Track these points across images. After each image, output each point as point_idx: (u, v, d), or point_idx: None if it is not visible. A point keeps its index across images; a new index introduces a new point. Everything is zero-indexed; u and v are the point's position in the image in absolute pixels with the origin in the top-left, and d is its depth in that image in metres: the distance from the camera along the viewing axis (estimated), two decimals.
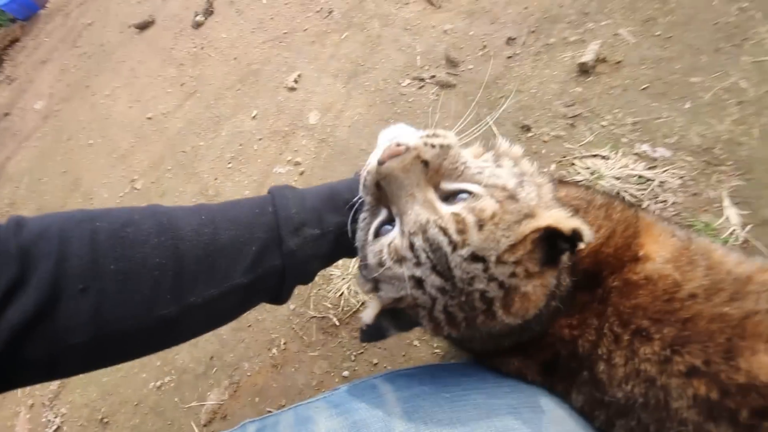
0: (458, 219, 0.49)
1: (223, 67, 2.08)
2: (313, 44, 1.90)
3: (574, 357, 0.58)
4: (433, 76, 1.50)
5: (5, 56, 3.51)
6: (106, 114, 2.30)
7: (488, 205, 0.49)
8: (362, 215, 0.59)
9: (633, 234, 0.59)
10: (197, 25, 2.36)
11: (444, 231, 0.49)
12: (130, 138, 2.09)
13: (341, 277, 1.21)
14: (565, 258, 0.55)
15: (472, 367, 0.71)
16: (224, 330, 1.30)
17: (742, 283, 0.50)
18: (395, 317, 0.58)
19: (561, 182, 0.68)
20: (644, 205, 0.98)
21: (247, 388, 1.18)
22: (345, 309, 1.17)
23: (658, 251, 0.56)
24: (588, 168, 1.07)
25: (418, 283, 0.51)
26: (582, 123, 1.18)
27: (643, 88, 1.15)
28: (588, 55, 1.24)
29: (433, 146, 0.53)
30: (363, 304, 1.16)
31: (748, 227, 0.89)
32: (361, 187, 0.57)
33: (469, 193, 0.51)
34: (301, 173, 1.52)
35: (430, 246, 0.49)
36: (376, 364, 1.09)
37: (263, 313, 1.28)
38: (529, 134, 1.23)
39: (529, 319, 0.54)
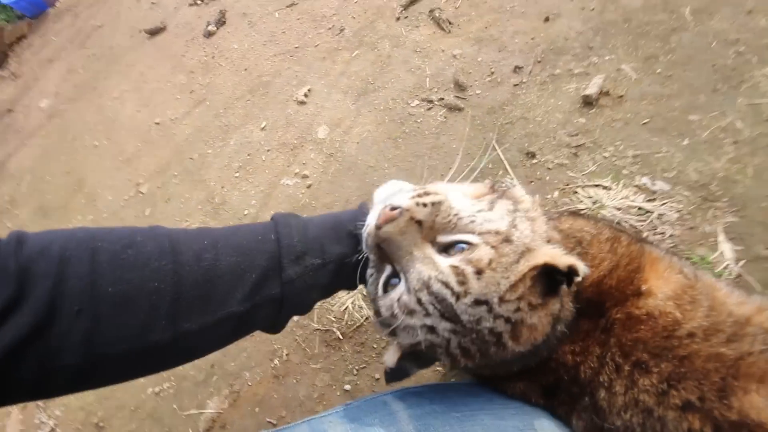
0: (458, 271, 0.53)
1: (234, 77, 2.12)
2: (323, 60, 1.94)
3: (575, 382, 0.61)
4: (442, 99, 1.54)
5: (11, 53, 3.52)
6: (113, 117, 2.31)
7: (484, 253, 0.54)
8: (369, 271, 0.63)
9: (636, 268, 0.62)
10: (209, 35, 2.40)
11: (446, 285, 0.53)
12: (136, 142, 2.10)
13: (346, 291, 1.23)
14: (565, 287, 0.58)
15: (477, 387, 0.74)
16: None
17: (740, 325, 0.54)
18: (415, 357, 0.63)
19: (571, 214, 0.72)
20: (644, 235, 1.02)
21: (247, 397, 1.19)
22: (349, 323, 1.19)
23: (661, 287, 0.59)
24: (590, 197, 1.11)
25: (431, 329, 0.55)
26: (585, 153, 1.22)
27: (644, 123, 1.20)
28: (592, 88, 1.29)
29: (425, 205, 0.57)
30: (367, 319, 1.18)
31: (742, 262, 0.93)
32: (363, 245, 0.61)
33: (465, 243, 0.56)
34: (309, 186, 1.55)
35: (435, 298, 0.53)
36: (378, 379, 1.10)
37: None
38: (534, 161, 1.27)
39: (538, 344, 0.57)
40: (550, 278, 0.55)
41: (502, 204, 0.61)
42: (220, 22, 2.41)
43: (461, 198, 0.61)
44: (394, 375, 0.65)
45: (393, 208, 0.56)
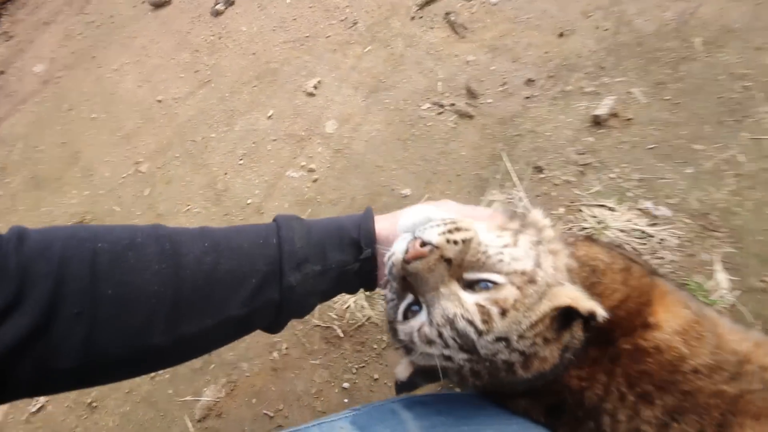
0: (483, 311, 0.55)
1: (241, 60, 2.08)
2: (334, 52, 1.93)
3: (580, 406, 0.63)
4: (453, 104, 1.56)
5: (4, 10, 3.37)
6: (112, 89, 2.25)
7: (509, 294, 0.56)
8: (389, 294, 0.64)
9: (646, 301, 0.64)
10: (216, 14, 2.34)
11: (470, 323, 0.55)
12: (136, 118, 2.06)
13: None
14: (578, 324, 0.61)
15: (482, 400, 0.77)
16: None
17: (741, 363, 0.57)
18: (426, 373, 0.65)
19: (587, 239, 0.75)
20: (654, 267, 1.06)
21: (244, 388, 1.21)
22: (350, 321, 1.21)
23: (669, 321, 0.62)
24: (595, 216, 1.15)
25: (447, 358, 0.57)
26: (592, 172, 1.26)
27: (650, 148, 1.24)
28: (602, 109, 1.32)
29: (455, 242, 0.57)
30: (368, 319, 1.21)
31: (736, 292, 0.98)
32: (386, 270, 0.61)
33: (492, 282, 0.57)
34: (315, 180, 1.55)
35: (458, 334, 0.55)
36: (377, 379, 1.13)
37: None
38: (541, 175, 1.30)
39: (545, 372, 0.60)
40: (567, 315, 0.58)
41: (526, 237, 0.62)
42: (229, 2, 2.36)
43: (488, 233, 0.62)
44: (404, 387, 0.68)
45: (423, 244, 0.57)
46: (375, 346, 1.17)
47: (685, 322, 0.62)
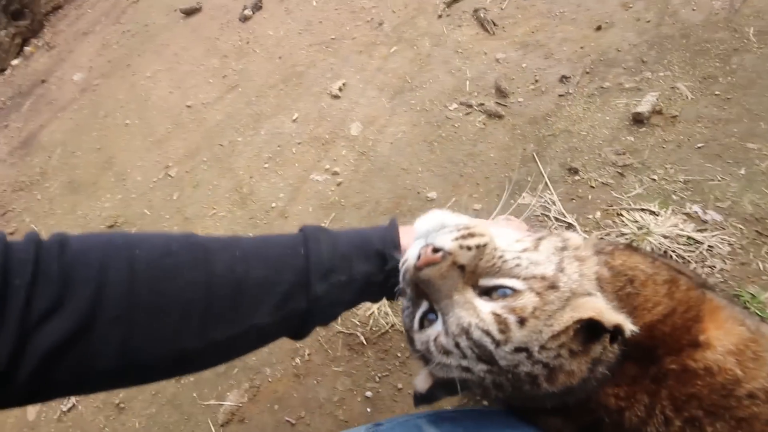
0: (499, 320, 0.51)
1: (267, 64, 2.10)
2: (360, 54, 1.91)
3: (619, 428, 0.58)
4: (482, 104, 1.50)
5: (46, 22, 3.55)
6: (146, 96, 2.32)
7: (528, 301, 0.52)
8: (405, 303, 0.62)
9: (695, 317, 0.58)
10: (245, 19, 2.38)
11: (487, 333, 0.51)
12: (167, 124, 2.10)
13: None
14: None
15: (512, 417, 0.71)
16: None
17: None
18: (446, 385, 0.61)
19: (627, 247, 0.68)
20: (692, 267, 0.98)
21: (267, 393, 1.19)
22: (373, 329, 1.18)
23: (721, 340, 0.56)
24: (636, 222, 1.07)
25: (466, 369, 0.54)
26: (632, 173, 1.18)
27: (698, 147, 1.15)
28: (644, 106, 1.24)
29: (469, 248, 0.54)
30: (392, 326, 1.17)
31: None
32: (401, 278, 0.60)
33: (509, 288, 0.53)
34: (339, 184, 1.53)
35: (474, 344, 0.52)
36: (401, 389, 1.09)
37: None
38: (576, 177, 1.23)
39: (573, 386, 0.55)
40: (593, 327, 0.53)
41: (550, 242, 0.58)
42: (257, 7, 2.39)
43: (505, 237, 0.59)
44: (423, 399, 0.64)
45: (435, 250, 0.54)
46: (399, 354, 1.13)
47: (740, 340, 0.55)
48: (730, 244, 0.99)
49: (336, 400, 1.12)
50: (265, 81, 2.02)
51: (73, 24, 3.39)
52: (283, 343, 1.26)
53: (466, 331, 0.52)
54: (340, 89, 1.80)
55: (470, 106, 1.52)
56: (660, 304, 0.59)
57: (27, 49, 3.43)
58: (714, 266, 0.97)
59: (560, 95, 1.41)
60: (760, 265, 0.96)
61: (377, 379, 1.12)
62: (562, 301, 0.52)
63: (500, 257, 0.55)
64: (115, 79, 2.54)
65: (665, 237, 1.02)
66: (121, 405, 1.31)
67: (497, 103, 1.49)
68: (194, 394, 1.25)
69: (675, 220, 1.04)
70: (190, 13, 2.65)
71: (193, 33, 2.50)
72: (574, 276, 0.55)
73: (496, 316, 0.51)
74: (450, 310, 0.53)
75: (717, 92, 1.22)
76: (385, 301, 1.21)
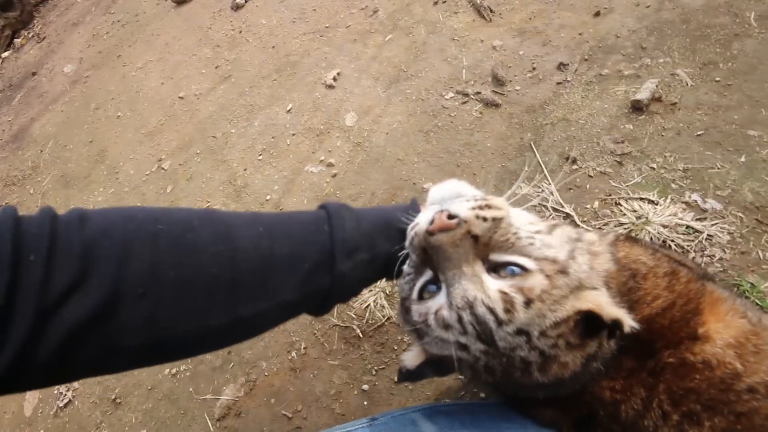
0: (506, 298, 0.49)
1: (261, 54, 2.06)
2: (355, 42, 1.87)
3: (615, 420, 0.58)
4: (478, 93, 1.48)
5: (36, 13, 3.48)
6: (137, 87, 2.28)
7: (537, 283, 0.50)
8: (407, 269, 0.60)
9: (694, 309, 0.57)
10: (237, 8, 2.33)
11: (491, 310, 0.49)
12: (159, 115, 2.07)
13: (368, 289, 1.20)
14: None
15: (510, 410, 0.71)
16: None
17: None
18: (436, 364, 0.60)
19: (628, 239, 0.67)
20: (691, 257, 0.96)
21: (263, 387, 1.18)
22: (370, 321, 1.17)
23: (720, 332, 0.55)
24: (634, 211, 1.05)
25: (463, 347, 0.52)
26: (630, 162, 1.16)
27: (698, 135, 1.13)
28: (643, 93, 1.21)
29: (485, 219, 0.52)
30: (388, 319, 1.16)
31: None
32: (407, 242, 0.58)
33: (519, 266, 0.51)
34: (334, 175, 1.51)
35: (476, 320, 0.50)
36: (397, 381, 1.08)
37: None
38: (574, 167, 1.21)
39: (564, 378, 0.54)
40: (593, 321, 0.52)
41: (564, 231, 0.56)
42: None
43: (520, 216, 0.57)
44: (408, 376, 0.62)
45: (451, 216, 0.52)
46: (395, 347, 1.12)
47: (740, 333, 0.54)
48: (729, 233, 0.98)
49: (332, 393, 1.12)
50: (258, 71, 1.99)
51: (63, 14, 3.33)
52: (279, 337, 1.25)
53: (470, 305, 0.50)
54: (334, 79, 1.77)
55: (467, 94, 1.49)
56: (659, 298, 0.58)
57: (17, 41, 3.37)
58: (713, 255, 0.96)
59: (558, 83, 1.39)
60: (760, 254, 0.94)
61: (374, 372, 1.11)
62: (570, 289, 0.51)
63: (514, 234, 0.54)
64: (105, 71, 2.50)
65: (664, 226, 1.01)
66: (118, 400, 1.31)
67: (494, 91, 1.46)
68: (190, 389, 1.25)
69: (674, 209, 1.03)
70: (181, 1, 2.59)
71: (185, 22, 2.46)
72: (584, 267, 0.54)
73: (503, 294, 0.49)
74: (456, 282, 0.51)
75: (717, 78, 1.19)
76: (381, 293, 1.20)
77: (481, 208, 0.54)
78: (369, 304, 1.18)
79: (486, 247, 0.53)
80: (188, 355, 0.58)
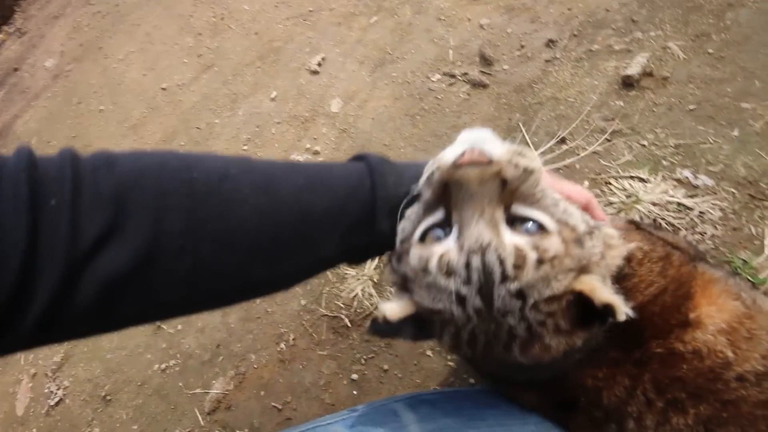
0: (519, 254, 0.46)
1: (243, 41, 2.01)
2: (339, 26, 1.82)
3: (598, 407, 0.56)
4: (466, 74, 1.43)
5: (17, 7, 3.39)
6: (119, 80, 2.23)
7: (554, 244, 0.46)
8: (415, 207, 0.54)
9: (686, 294, 0.55)
10: None
11: (501, 261, 0.46)
12: (142, 108, 2.02)
13: (356, 278, 1.18)
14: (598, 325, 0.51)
15: (495, 397, 0.69)
16: (232, 319, 1.28)
17: None
18: (418, 324, 0.54)
19: (630, 223, 0.64)
20: (682, 234, 0.94)
21: (252, 380, 1.17)
22: (358, 311, 1.15)
23: (712, 317, 0.52)
24: (625, 190, 1.03)
25: (461, 300, 0.48)
26: (621, 140, 1.13)
27: (690, 109, 1.09)
28: (634, 68, 1.18)
29: (517, 166, 0.48)
30: (376, 308, 1.14)
31: None
32: (424, 178, 0.53)
33: (539, 225, 0.48)
34: None
35: (483, 268, 0.46)
36: (387, 370, 1.07)
37: (273, 306, 1.26)
38: (564, 146, 1.17)
39: (543, 363, 0.51)
40: (586, 308, 0.48)
41: (584, 214, 0.52)
42: None
43: (547, 179, 0.53)
44: (382, 329, 0.54)
45: (483, 154, 0.48)
46: None
47: (733, 317, 0.52)
48: (721, 209, 0.95)
49: (322, 384, 1.10)
50: (241, 59, 1.94)
51: (44, 7, 3.25)
52: (268, 329, 1.23)
53: (483, 250, 0.46)
54: (319, 64, 1.73)
55: (453, 76, 1.45)
56: (653, 285, 0.55)
57: None
58: (705, 233, 0.94)
59: (547, 60, 1.35)
60: (753, 230, 0.92)
61: (363, 361, 1.09)
62: (577, 265, 0.47)
63: (541, 190, 0.49)
64: (87, 63, 2.44)
65: (655, 204, 0.98)
66: (108, 397, 1.30)
67: (482, 71, 1.42)
68: (180, 384, 1.23)
69: (665, 186, 1.00)
70: None
71: (166, 11, 2.39)
72: (596, 251, 0.50)
73: (518, 249, 0.46)
74: (473, 222, 0.47)
75: (710, 50, 1.16)
76: (369, 282, 1.17)
77: (516, 154, 0.50)
78: (357, 293, 1.16)
79: (511, 195, 0.48)
80: (229, 305, 0.57)
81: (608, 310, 0.45)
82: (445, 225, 0.50)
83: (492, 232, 0.46)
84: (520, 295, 0.46)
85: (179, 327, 1.32)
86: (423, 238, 0.52)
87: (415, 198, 0.55)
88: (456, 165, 0.47)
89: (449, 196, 0.49)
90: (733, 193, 0.96)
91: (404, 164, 0.61)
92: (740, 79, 1.08)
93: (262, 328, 1.23)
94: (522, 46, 1.41)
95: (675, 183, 1.01)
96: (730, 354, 0.50)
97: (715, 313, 0.52)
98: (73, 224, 0.41)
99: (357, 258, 0.60)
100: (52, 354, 1.46)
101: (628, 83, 1.18)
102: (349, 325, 1.14)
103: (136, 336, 1.35)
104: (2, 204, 0.39)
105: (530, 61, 1.37)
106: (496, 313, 0.47)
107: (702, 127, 1.06)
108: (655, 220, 0.96)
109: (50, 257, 0.40)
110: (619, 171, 1.07)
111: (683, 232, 0.95)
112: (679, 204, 0.97)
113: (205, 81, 1.95)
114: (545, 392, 0.61)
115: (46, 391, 1.39)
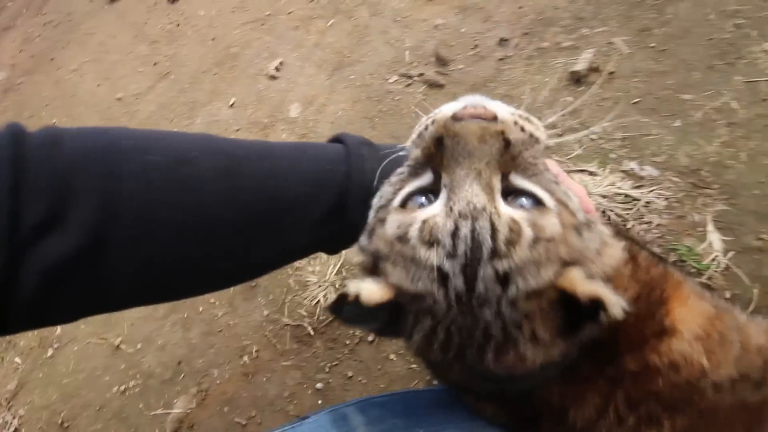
0: (514, 228, 0.40)
1: (200, 47, 1.97)
2: (297, 29, 1.80)
3: (561, 425, 0.51)
4: (422, 74, 1.44)
5: None
6: (72, 91, 2.15)
7: (551, 225, 0.41)
8: (400, 170, 0.48)
9: (659, 298, 0.50)
10: (173, 0, 2.21)
11: (494, 232, 0.39)
12: (97, 119, 1.96)
13: (317, 285, 1.17)
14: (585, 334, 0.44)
15: (451, 397, 0.69)
16: (193, 334, 1.24)
17: (765, 364, 0.47)
18: (393, 315, 0.45)
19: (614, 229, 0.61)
20: (629, 225, 0.96)
21: (215, 396, 1.14)
22: (320, 318, 1.14)
23: (687, 322, 0.48)
24: None
25: (444, 279, 0.40)
26: (571, 135, 1.14)
27: (635, 102, 1.12)
28: (581, 64, 1.20)
29: (523, 129, 0.44)
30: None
31: (730, 254, 0.88)
32: (414, 136, 0.47)
33: (537, 201, 0.42)
34: None
35: (472, 238, 0.40)
36: (351, 377, 1.06)
37: (235, 318, 1.23)
38: None
39: (514, 375, 0.46)
40: (571, 313, 0.42)
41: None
42: None
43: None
44: (347, 312, 0.44)
45: (487, 109, 0.44)
46: (347, 342, 1.09)
47: (705, 320, 0.49)
48: (666, 198, 0.98)
49: (286, 395, 1.09)
50: (198, 66, 1.90)
51: None
52: (230, 342, 1.20)
53: (474, 216, 0.40)
54: (277, 69, 1.70)
55: (410, 77, 1.45)
56: (626, 292, 0.49)
57: None
58: (651, 222, 0.96)
59: (500, 59, 1.36)
60: (696, 217, 0.95)
61: (327, 369, 1.08)
62: (571, 257, 0.42)
63: (543, 164, 0.45)
64: (39, 75, 2.36)
65: (603, 197, 1.00)
66: (65, 424, 1.25)
67: (437, 72, 1.43)
68: (140, 405, 1.19)
69: (613, 178, 1.02)
70: None
71: (119, 19, 2.33)
72: (593, 245, 0.44)
73: (514, 222, 0.40)
74: (467, 184, 0.41)
75: (652, 44, 1.19)
76: (330, 288, 1.16)
77: (522, 117, 0.45)
78: (319, 300, 1.15)
79: (512, 162, 0.43)
80: (190, 296, 0.54)
81: (597, 305, 0.38)
82: (431, 192, 0.44)
83: (487, 197, 0.40)
84: (505, 280, 0.40)
85: (139, 346, 1.28)
86: (404, 204, 0.45)
87: (400, 160, 0.49)
88: (456, 117, 0.42)
89: (441, 156, 0.43)
90: (677, 181, 0.99)
91: (384, 147, 0.55)
92: (681, 72, 1.12)
93: (225, 342, 1.20)
94: (476, 46, 1.42)
95: (623, 175, 1.04)
96: (705, 362, 0.46)
97: (688, 317, 0.48)
98: (12, 210, 0.38)
99: (332, 247, 0.57)
100: (6, 382, 1.40)
101: (576, 79, 1.20)
102: (312, 333, 1.13)
103: (94, 358, 1.30)
104: None
105: (484, 60, 1.38)
106: (474, 302, 0.41)
107: (646, 120, 1.09)
108: (604, 212, 0.98)
109: None
110: (570, 166, 1.09)
111: (631, 223, 0.97)
112: (626, 195, 1.00)
113: (162, 90, 1.90)
114: (505, 406, 0.56)
115: (0, 421, 1.33)
